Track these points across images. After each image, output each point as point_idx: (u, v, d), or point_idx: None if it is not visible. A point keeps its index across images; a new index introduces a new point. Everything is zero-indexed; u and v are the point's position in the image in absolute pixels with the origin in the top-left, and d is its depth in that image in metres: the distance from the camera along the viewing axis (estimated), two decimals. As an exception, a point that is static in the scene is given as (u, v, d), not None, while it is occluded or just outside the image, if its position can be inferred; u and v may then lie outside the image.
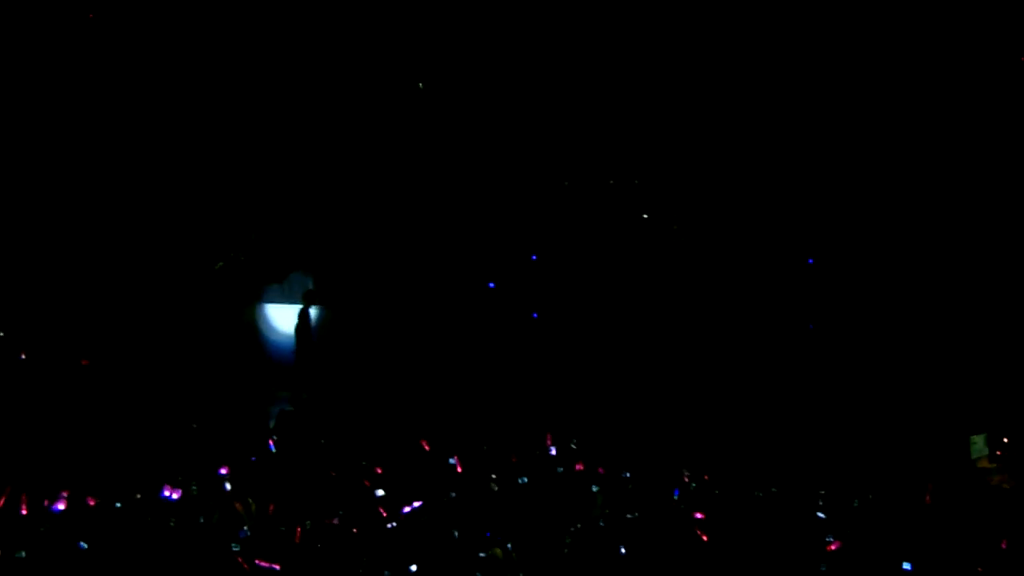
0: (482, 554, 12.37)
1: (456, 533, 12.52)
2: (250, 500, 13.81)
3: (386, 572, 12.06)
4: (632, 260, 17.97)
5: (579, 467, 14.64)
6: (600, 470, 14.92)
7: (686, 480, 14.25)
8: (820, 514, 12.84)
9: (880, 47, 15.28)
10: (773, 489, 13.69)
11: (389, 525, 12.96)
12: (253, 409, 17.54)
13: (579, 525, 12.84)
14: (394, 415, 18.05)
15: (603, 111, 17.74)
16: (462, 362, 19.79)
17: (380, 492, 14.00)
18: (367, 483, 14.16)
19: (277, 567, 11.86)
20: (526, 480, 14.43)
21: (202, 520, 13.22)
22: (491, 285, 19.64)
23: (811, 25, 15.59)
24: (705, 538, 12.00)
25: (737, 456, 17.20)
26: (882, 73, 15.57)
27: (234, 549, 12.21)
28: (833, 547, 11.87)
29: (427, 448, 15.83)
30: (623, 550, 12.04)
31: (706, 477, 14.21)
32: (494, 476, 14.57)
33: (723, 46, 15.89)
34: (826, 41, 15.69)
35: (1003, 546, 12.16)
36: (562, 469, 14.79)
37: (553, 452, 15.56)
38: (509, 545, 12.47)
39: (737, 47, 15.82)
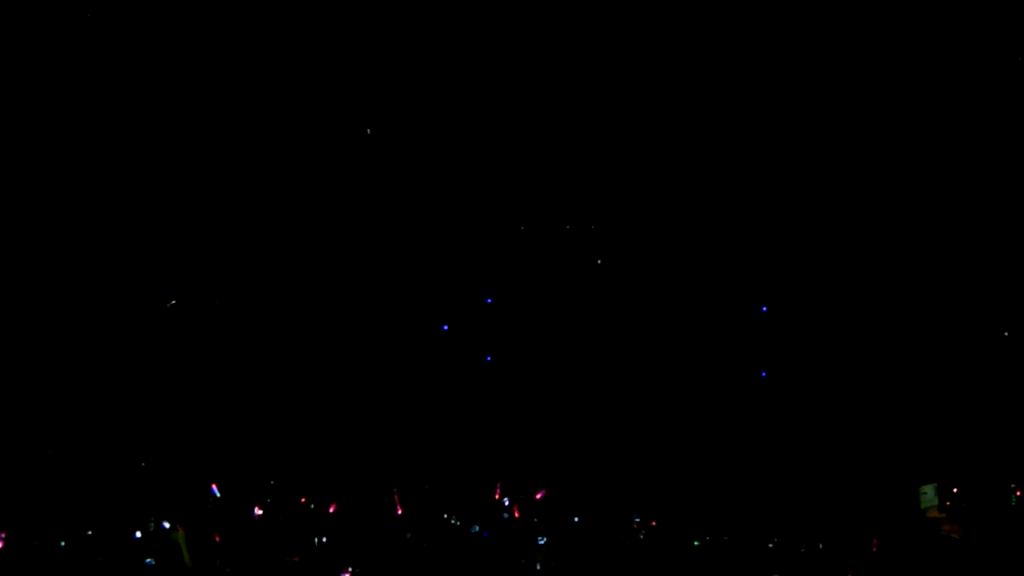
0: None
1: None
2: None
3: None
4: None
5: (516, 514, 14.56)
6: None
7: (635, 526, 14.20)
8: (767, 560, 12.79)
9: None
10: (724, 538, 13.64)
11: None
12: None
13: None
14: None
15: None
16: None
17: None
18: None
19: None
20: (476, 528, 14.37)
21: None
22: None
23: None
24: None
25: (687, 501, 17.23)
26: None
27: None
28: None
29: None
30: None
31: (653, 523, 14.12)
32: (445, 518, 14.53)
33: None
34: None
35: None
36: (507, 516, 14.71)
37: (506, 503, 15.51)
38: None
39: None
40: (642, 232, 17.94)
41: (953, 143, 15.79)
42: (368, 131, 17.40)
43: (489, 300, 18.08)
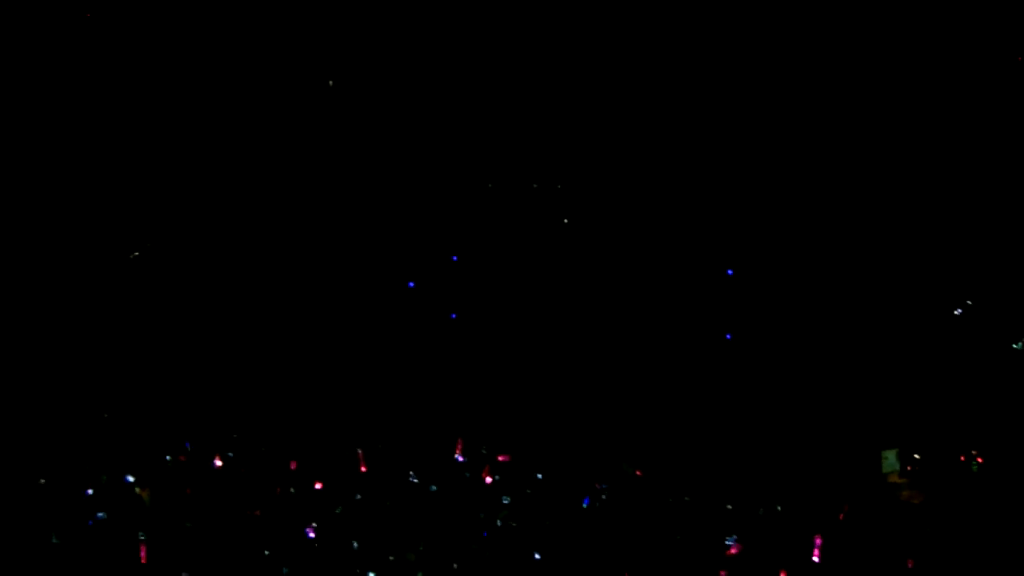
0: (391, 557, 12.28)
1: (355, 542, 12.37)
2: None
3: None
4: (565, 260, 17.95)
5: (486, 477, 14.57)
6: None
7: (597, 487, 14.23)
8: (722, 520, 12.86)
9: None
10: (686, 498, 13.69)
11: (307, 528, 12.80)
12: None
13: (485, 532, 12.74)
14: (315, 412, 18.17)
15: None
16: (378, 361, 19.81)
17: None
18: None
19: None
20: (435, 488, 14.37)
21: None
22: (410, 284, 19.54)
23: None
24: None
25: (649, 463, 17.28)
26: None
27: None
28: (733, 551, 11.84)
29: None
30: (537, 556, 11.91)
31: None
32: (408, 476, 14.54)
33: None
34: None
35: (909, 565, 12.20)
36: (469, 475, 14.70)
37: (460, 459, 15.50)
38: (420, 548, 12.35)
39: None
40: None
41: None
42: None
43: (455, 258, 18.06)
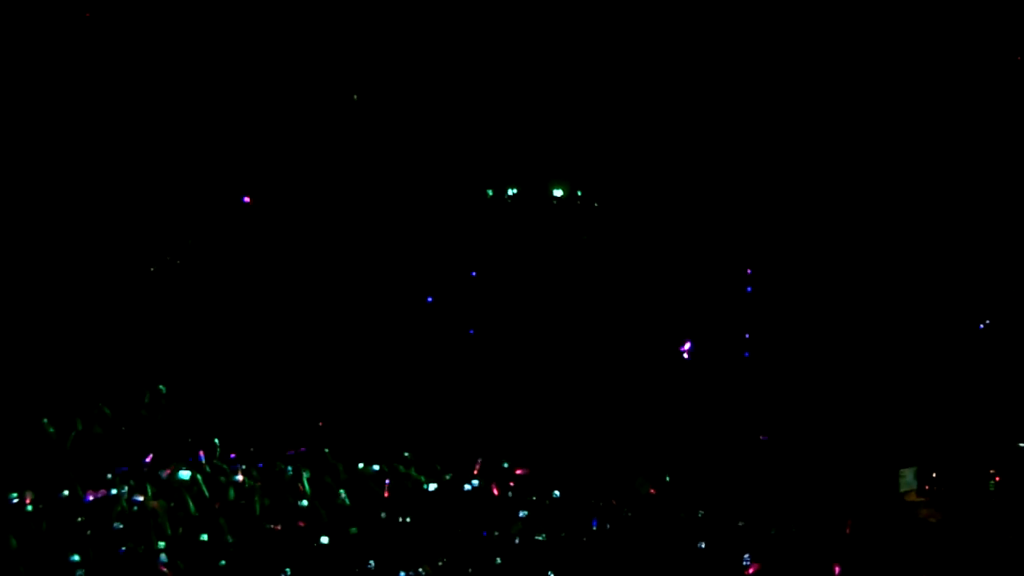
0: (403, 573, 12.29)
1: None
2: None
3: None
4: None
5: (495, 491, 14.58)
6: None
7: (613, 504, 14.22)
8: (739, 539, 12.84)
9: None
10: (700, 513, 13.65)
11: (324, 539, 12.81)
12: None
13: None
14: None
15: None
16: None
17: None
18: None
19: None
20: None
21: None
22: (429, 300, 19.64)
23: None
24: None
25: (663, 481, 17.28)
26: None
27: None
28: (751, 570, 11.81)
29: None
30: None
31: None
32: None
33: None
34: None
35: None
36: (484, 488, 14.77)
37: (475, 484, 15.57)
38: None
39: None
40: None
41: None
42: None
43: (473, 273, 18.11)
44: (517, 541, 13.08)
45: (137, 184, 18.58)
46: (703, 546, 12.31)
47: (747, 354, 16.53)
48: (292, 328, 19.75)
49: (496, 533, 13.11)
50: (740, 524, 13.14)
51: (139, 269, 19.32)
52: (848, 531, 12.85)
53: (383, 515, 13.77)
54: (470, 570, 12.42)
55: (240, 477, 15.26)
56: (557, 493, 14.87)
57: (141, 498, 13.92)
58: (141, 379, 18.57)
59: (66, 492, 14.60)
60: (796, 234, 16.48)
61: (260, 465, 16.19)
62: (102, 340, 18.94)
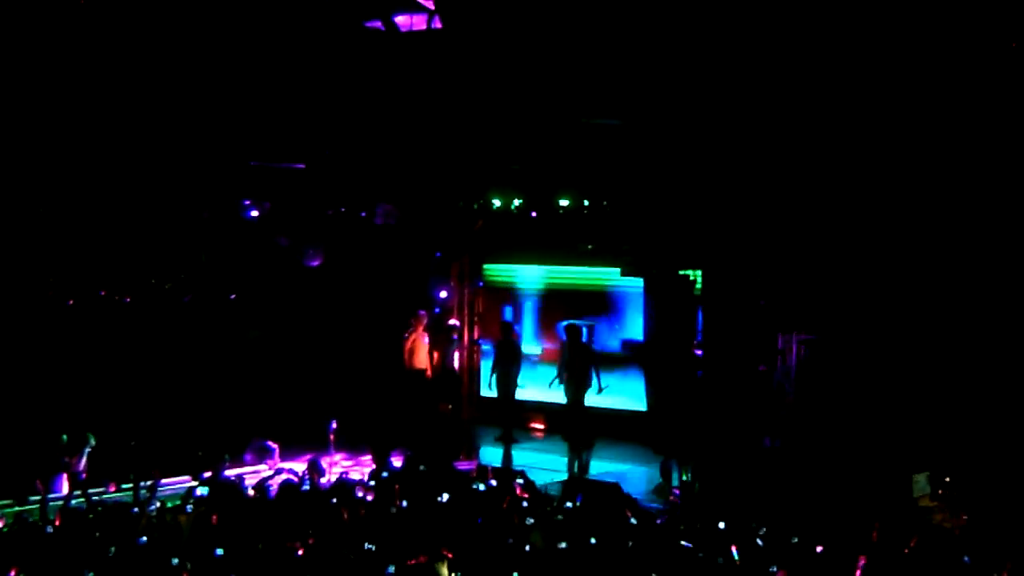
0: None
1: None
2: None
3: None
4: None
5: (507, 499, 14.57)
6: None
7: (627, 515, 14.22)
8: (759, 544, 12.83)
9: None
10: (720, 524, 13.64)
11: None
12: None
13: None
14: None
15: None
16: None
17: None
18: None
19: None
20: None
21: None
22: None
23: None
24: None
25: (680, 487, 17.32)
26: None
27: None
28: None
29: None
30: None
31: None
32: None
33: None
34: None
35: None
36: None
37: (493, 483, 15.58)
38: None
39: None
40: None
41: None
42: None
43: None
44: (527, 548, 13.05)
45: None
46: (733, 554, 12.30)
47: (762, 368, 16.53)
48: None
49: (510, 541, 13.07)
50: (763, 532, 13.15)
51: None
52: (875, 537, 12.86)
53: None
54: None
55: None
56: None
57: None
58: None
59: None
60: (805, 237, 16.47)
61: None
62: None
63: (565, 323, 21.42)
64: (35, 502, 16.02)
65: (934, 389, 15.97)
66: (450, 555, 12.11)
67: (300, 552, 12.56)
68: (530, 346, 22.92)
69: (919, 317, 15.96)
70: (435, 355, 21.86)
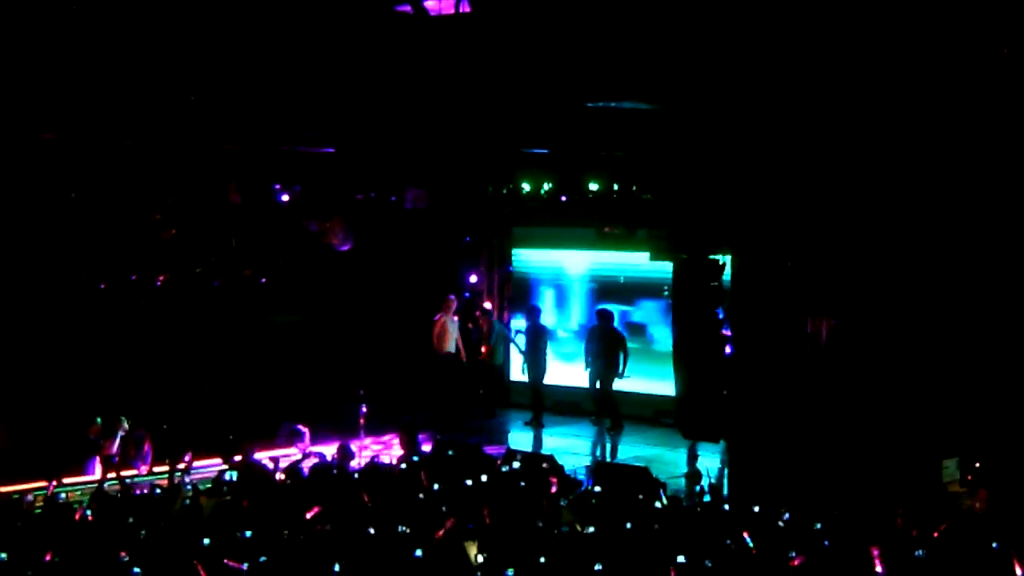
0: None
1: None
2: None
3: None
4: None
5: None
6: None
7: (640, 498, 14.26)
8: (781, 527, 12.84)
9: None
10: (755, 508, 13.65)
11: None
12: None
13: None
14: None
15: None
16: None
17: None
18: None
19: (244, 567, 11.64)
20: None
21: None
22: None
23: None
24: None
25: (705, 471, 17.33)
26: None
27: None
28: (796, 562, 11.79)
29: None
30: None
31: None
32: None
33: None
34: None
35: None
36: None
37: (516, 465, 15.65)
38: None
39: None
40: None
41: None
42: None
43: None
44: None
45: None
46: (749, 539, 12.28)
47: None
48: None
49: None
50: (785, 517, 13.14)
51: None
52: (899, 523, 12.83)
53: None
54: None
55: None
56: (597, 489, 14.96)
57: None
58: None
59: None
60: (835, 221, 16.37)
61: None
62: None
63: (597, 307, 21.47)
64: (69, 485, 16.15)
65: (964, 375, 15.90)
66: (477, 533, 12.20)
67: (327, 533, 12.63)
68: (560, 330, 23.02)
69: (950, 302, 15.88)
70: (465, 339, 21.96)
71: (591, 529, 12.82)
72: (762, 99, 15.90)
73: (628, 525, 12.92)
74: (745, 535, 12.24)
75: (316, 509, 13.22)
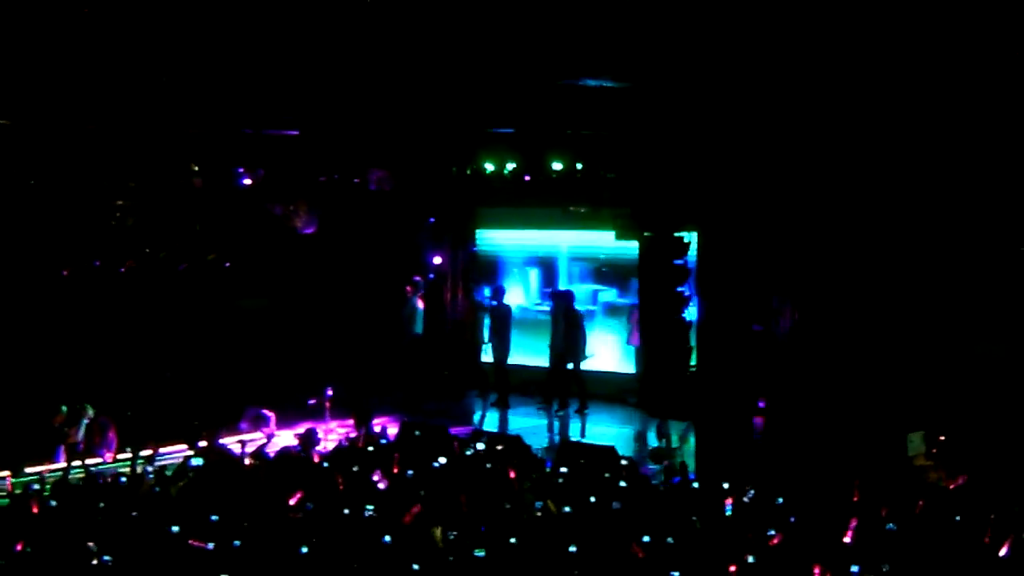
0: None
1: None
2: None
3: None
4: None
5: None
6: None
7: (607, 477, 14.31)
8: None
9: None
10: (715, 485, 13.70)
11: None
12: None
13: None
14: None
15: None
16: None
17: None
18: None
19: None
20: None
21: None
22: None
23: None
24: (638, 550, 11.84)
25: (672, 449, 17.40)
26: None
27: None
28: (775, 541, 11.84)
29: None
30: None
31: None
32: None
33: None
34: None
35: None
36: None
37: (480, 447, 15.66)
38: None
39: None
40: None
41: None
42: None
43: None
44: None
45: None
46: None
47: (756, 327, 16.49)
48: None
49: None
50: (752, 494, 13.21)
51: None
52: (856, 496, 12.90)
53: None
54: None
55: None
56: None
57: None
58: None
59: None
60: (800, 198, 16.41)
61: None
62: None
63: (551, 290, 21.49)
64: (32, 475, 16.06)
65: (928, 349, 16.00)
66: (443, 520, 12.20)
67: (296, 518, 12.60)
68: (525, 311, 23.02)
69: (914, 277, 15.95)
70: (431, 320, 21.96)
71: (567, 509, 12.85)
72: (727, 77, 15.89)
73: (592, 500, 12.97)
74: (719, 508, 12.33)
75: (299, 494, 13.19)
